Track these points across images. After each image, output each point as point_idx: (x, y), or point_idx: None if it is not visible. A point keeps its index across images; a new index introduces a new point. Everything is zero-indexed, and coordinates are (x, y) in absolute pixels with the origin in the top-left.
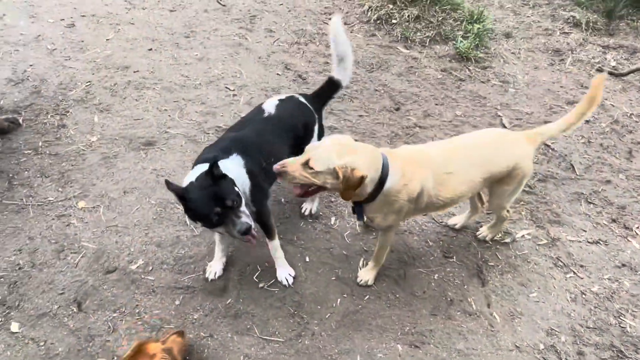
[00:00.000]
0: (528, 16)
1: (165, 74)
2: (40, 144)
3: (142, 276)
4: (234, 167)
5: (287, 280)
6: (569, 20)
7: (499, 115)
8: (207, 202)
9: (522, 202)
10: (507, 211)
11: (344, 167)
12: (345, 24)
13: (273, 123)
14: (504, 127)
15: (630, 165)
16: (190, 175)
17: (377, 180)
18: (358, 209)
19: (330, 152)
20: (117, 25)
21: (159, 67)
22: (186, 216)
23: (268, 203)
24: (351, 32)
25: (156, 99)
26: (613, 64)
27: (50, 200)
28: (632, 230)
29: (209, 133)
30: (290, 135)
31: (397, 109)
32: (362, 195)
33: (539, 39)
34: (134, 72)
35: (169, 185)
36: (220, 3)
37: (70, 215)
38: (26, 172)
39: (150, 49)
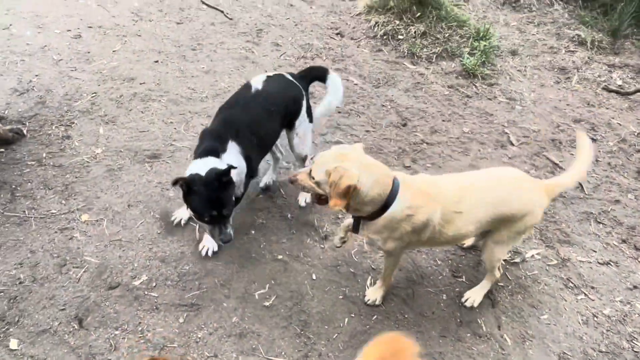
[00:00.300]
0: (533, 34)
1: (172, 86)
2: (44, 155)
3: (146, 292)
4: (233, 159)
5: (206, 250)
6: (574, 39)
7: (506, 133)
8: (207, 203)
9: None
10: (498, 269)
11: (335, 171)
12: (352, 39)
13: (262, 98)
14: (512, 144)
15: (639, 185)
16: (196, 166)
17: (382, 202)
18: (355, 221)
19: (328, 159)
20: (123, 37)
21: (165, 80)
22: (183, 199)
23: None
24: (358, 47)
25: (162, 112)
26: (619, 82)
27: (53, 213)
28: None
29: None
30: (281, 110)
31: (404, 125)
32: (360, 210)
33: (545, 57)
34: (140, 84)
35: (176, 180)
36: (227, 16)
37: (73, 229)
38: (29, 183)
39: (157, 61)
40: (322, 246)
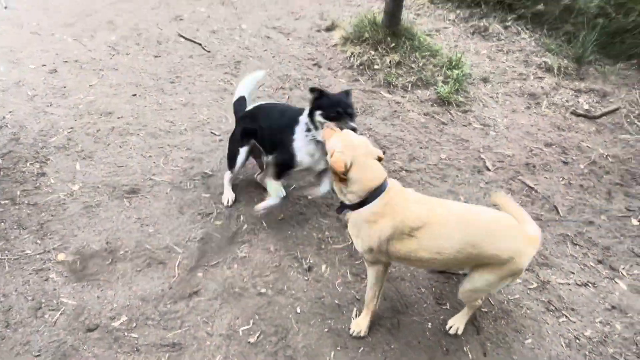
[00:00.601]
0: (503, 62)
1: (150, 119)
2: (18, 193)
3: (126, 333)
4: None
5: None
6: (541, 66)
7: (482, 158)
8: (339, 99)
9: None
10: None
11: (334, 154)
12: (329, 69)
13: None
14: (488, 169)
15: (611, 206)
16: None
17: (361, 198)
18: (341, 205)
19: (338, 141)
20: (100, 71)
21: (143, 113)
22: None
23: None
24: (335, 77)
25: (140, 145)
26: (586, 106)
27: (27, 254)
28: (618, 271)
29: (195, 179)
30: None
31: (383, 153)
32: (344, 197)
33: (515, 84)
34: (118, 118)
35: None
36: (205, 49)
37: (49, 269)
38: (2, 223)
39: (135, 95)
40: (306, 278)
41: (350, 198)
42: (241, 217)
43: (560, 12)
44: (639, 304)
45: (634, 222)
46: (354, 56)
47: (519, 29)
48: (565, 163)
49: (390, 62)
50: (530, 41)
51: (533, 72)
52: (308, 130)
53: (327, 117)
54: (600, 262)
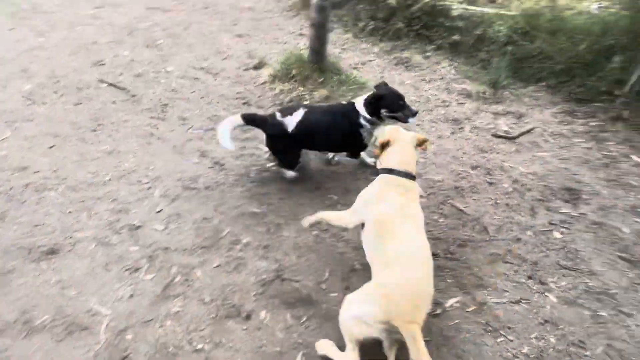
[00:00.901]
0: (426, 90)
1: (70, 172)
2: None
3: None
4: None
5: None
6: (462, 92)
7: None
8: (396, 94)
9: (446, 270)
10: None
11: (381, 135)
12: (259, 107)
13: None
14: (421, 196)
15: (535, 222)
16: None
17: (383, 165)
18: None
19: (387, 130)
20: (13, 122)
21: (62, 165)
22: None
23: None
24: None
25: (59, 201)
26: (505, 128)
27: None
28: (547, 284)
29: (121, 232)
30: None
31: (317, 189)
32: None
33: (439, 110)
34: (34, 172)
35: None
36: (129, 93)
37: None
38: None
39: (52, 146)
40: (245, 327)
41: (379, 159)
42: (173, 267)
43: (474, 42)
44: (569, 314)
45: (557, 234)
46: (283, 93)
47: (439, 58)
48: (491, 184)
49: (319, 97)
50: (450, 69)
51: (455, 99)
52: (368, 121)
53: (392, 111)
54: (530, 277)
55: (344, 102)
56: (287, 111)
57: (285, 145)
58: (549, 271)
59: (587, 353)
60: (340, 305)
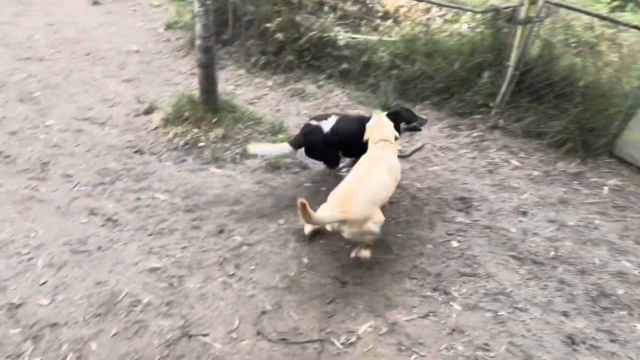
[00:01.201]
0: None
1: None
2: None
3: None
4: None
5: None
6: None
7: None
8: (413, 115)
9: (357, 296)
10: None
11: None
12: (152, 154)
13: None
14: None
15: (434, 234)
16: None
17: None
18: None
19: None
20: None
21: None
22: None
23: None
24: (160, 162)
25: None
26: (398, 147)
27: None
28: (451, 294)
29: None
30: None
31: (221, 232)
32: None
33: None
34: None
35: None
36: (1, 154)
37: None
38: None
39: None
40: None
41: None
42: (63, 345)
43: (362, 68)
44: (472, 319)
45: (455, 244)
46: (178, 136)
47: (331, 87)
48: (392, 203)
49: (215, 137)
50: (343, 96)
51: None
52: None
53: (409, 122)
54: (435, 289)
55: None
56: (321, 117)
57: (325, 146)
58: (451, 280)
59: (492, 354)
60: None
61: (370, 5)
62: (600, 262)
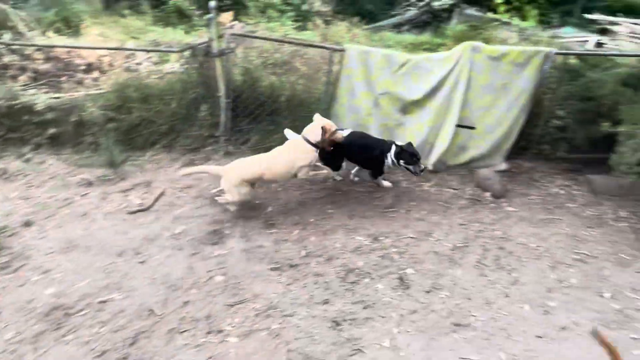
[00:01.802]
0: (39, 196)
1: None
2: None
3: None
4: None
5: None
6: (81, 183)
7: (36, 307)
8: (413, 152)
9: None
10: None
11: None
12: None
13: None
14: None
15: (196, 277)
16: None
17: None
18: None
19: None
20: None
21: None
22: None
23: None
24: None
25: None
26: (138, 201)
27: None
28: (224, 330)
29: None
30: None
31: None
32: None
33: (63, 211)
34: None
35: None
36: None
37: None
38: None
39: None
40: None
41: None
42: None
43: (75, 129)
44: (250, 346)
45: (219, 278)
46: None
47: (43, 157)
48: (142, 262)
49: None
50: (60, 164)
51: (76, 192)
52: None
53: (407, 164)
54: (208, 332)
55: (386, 140)
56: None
57: (336, 152)
58: (222, 316)
59: None
60: None
61: (67, 60)
62: (340, 245)
